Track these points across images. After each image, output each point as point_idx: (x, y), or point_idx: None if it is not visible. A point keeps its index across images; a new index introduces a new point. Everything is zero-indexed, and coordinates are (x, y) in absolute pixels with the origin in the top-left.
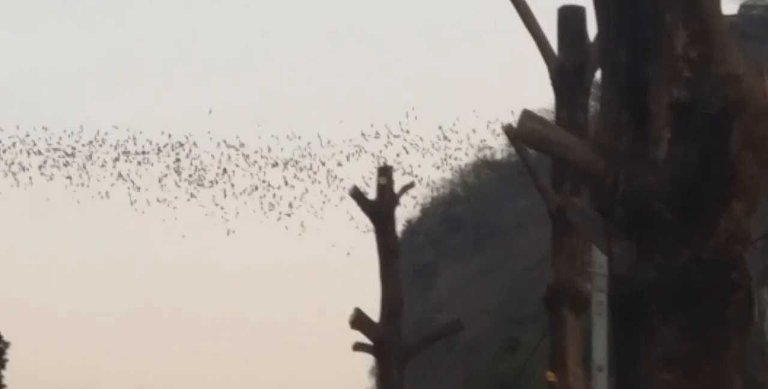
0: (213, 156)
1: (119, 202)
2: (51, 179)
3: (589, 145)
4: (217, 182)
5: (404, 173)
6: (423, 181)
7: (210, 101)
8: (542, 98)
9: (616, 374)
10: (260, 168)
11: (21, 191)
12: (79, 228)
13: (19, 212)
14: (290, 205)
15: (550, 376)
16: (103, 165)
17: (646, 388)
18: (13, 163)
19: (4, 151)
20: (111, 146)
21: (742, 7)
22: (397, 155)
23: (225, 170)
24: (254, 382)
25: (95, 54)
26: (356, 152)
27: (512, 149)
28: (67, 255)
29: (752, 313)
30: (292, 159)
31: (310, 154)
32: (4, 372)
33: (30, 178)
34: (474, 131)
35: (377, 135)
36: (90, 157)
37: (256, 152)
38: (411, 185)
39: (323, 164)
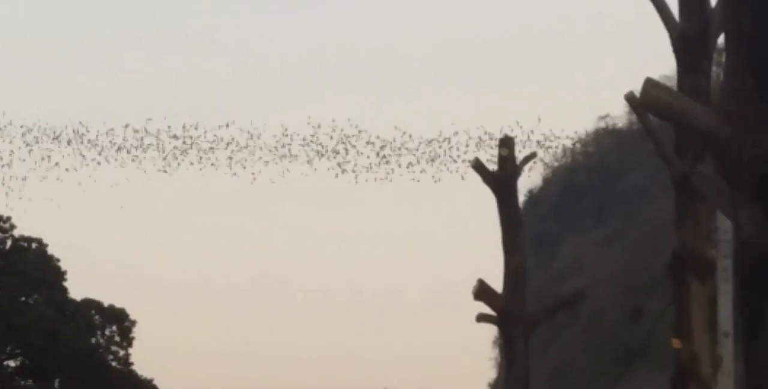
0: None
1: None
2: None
3: (714, 112)
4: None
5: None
6: (546, 150)
7: None
8: (663, 66)
9: (742, 340)
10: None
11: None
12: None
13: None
14: (414, 178)
15: (676, 343)
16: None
17: None
18: None
19: None
20: None
21: None
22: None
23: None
24: (378, 353)
25: None
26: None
27: (633, 118)
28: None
29: None
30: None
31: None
32: (131, 350)
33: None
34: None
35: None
36: None
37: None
38: (533, 156)
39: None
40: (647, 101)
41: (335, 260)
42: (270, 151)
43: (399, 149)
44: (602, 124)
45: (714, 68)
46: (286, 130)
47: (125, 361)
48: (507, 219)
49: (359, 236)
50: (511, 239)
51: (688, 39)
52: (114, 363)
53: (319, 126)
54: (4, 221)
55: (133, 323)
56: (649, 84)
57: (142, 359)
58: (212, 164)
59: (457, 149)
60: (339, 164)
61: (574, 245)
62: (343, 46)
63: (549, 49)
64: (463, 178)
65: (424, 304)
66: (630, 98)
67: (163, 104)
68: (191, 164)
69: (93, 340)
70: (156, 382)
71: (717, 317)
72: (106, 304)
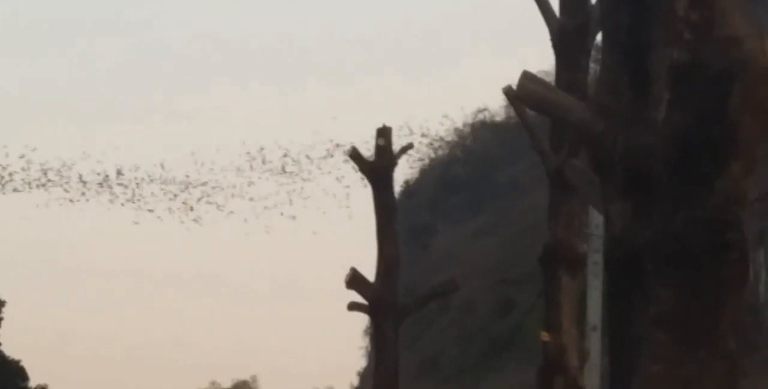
0: None
1: None
2: None
3: (589, 106)
4: None
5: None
6: (422, 142)
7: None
8: (543, 61)
9: (609, 334)
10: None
11: None
12: None
13: None
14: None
15: (545, 336)
16: None
17: (640, 348)
18: None
19: None
20: None
21: None
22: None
23: None
24: (251, 342)
25: None
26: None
27: (511, 111)
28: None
29: (747, 274)
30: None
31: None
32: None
33: None
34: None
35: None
36: None
37: None
38: (410, 146)
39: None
40: (523, 94)
41: (199, 248)
42: None
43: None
44: (480, 117)
45: (592, 65)
46: None
47: None
48: (382, 209)
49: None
50: (385, 228)
51: (567, 34)
52: None
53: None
54: None
55: (3, 303)
56: (526, 77)
57: (10, 340)
58: None
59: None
60: None
61: (448, 237)
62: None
63: (429, 43)
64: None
65: (297, 292)
66: (507, 91)
67: None
68: None
69: None
70: (24, 363)
71: (586, 311)
72: None
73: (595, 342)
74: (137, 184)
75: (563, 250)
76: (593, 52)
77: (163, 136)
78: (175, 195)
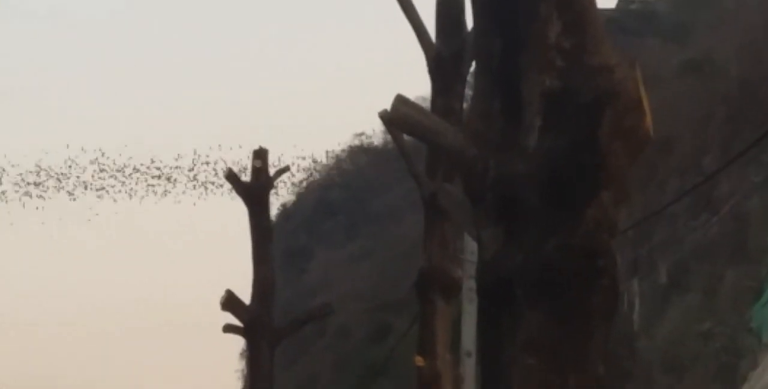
0: None
1: None
2: None
3: (461, 131)
4: None
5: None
6: (298, 166)
7: None
8: (421, 87)
9: (480, 359)
10: None
11: None
12: None
13: None
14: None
15: (419, 361)
16: None
17: (511, 373)
18: None
19: None
20: None
21: (621, 1)
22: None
23: None
24: (124, 361)
25: None
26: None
27: (389, 136)
28: None
29: (617, 301)
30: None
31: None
32: None
33: None
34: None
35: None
36: None
37: None
38: (286, 169)
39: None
40: (396, 118)
41: (74, 266)
42: None
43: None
44: (357, 141)
45: (467, 91)
46: None
47: None
48: (258, 231)
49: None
50: (260, 250)
51: (443, 60)
52: None
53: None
54: None
55: None
56: (399, 101)
57: None
58: None
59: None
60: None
61: (324, 261)
62: None
63: (306, 64)
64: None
65: (174, 314)
66: (383, 115)
67: None
68: None
69: None
70: None
71: (460, 336)
72: None
73: (469, 368)
74: None
75: (438, 275)
76: (469, 79)
77: None
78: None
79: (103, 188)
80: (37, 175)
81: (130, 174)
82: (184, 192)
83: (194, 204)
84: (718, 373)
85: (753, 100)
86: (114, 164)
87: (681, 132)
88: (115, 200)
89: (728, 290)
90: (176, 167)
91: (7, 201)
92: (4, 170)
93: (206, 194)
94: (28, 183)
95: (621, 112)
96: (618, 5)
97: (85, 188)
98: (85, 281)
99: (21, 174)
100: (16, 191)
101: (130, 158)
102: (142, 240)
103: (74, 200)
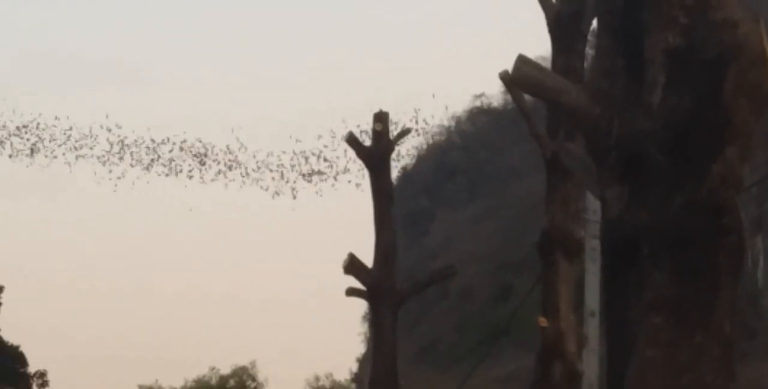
0: None
1: None
2: None
3: (584, 90)
4: None
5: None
6: (418, 129)
7: None
8: (541, 47)
9: (606, 318)
10: None
11: None
12: None
13: None
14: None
15: (542, 322)
16: None
17: (637, 332)
18: None
19: None
20: None
21: None
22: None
23: None
24: (251, 328)
25: None
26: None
27: (509, 97)
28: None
29: (743, 258)
30: None
31: None
32: None
33: None
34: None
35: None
36: None
37: None
38: (407, 132)
39: None
40: (519, 78)
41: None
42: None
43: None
44: (478, 103)
45: (588, 50)
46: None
47: None
48: (379, 194)
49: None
50: (382, 214)
51: (564, 19)
52: None
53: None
54: None
55: (1, 288)
56: (521, 61)
57: (9, 325)
58: None
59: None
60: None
61: (445, 223)
62: None
63: (425, 29)
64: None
65: (297, 278)
66: (504, 77)
67: None
68: None
69: None
70: (23, 349)
71: (584, 296)
72: None
73: (593, 328)
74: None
75: (560, 235)
76: (590, 38)
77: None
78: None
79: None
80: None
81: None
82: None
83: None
84: None
85: None
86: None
87: None
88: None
89: None
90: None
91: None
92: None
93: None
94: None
95: (745, 67)
96: None
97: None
98: (211, 251)
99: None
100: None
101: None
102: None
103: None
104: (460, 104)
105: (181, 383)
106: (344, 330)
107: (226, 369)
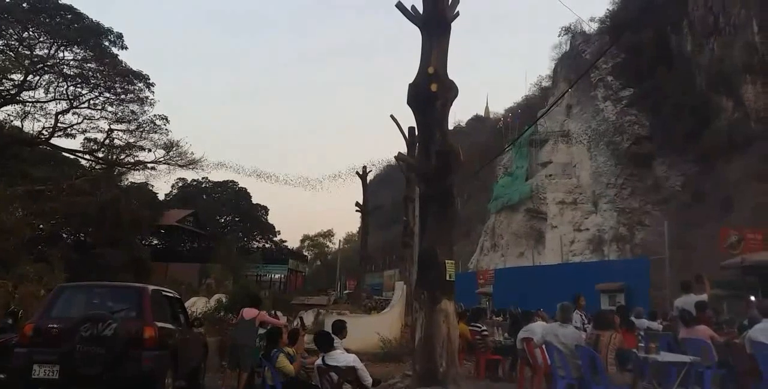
0: None
1: None
2: None
3: (417, 160)
4: None
5: None
6: None
7: None
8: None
9: None
10: None
11: None
12: None
13: None
14: None
15: None
16: None
17: None
18: None
19: None
20: None
21: None
22: None
23: None
24: None
25: None
26: None
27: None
28: None
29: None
30: None
31: None
32: None
33: None
34: None
35: None
36: None
37: None
38: None
39: None
40: (400, 158)
41: None
42: None
43: None
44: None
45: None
46: None
47: None
48: None
49: None
50: None
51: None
52: None
53: None
54: None
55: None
56: (401, 156)
57: None
58: None
59: None
60: None
61: None
62: None
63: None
64: None
65: None
66: (397, 157)
67: None
68: None
69: None
70: None
71: None
72: None
73: None
74: None
75: None
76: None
77: None
78: None
79: None
80: None
81: None
82: None
83: None
84: None
85: None
86: None
87: None
88: None
89: None
90: None
91: None
92: None
93: None
94: None
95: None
96: None
97: None
98: None
99: None
100: None
101: None
102: None
103: None
104: None
105: None
106: None
107: None
